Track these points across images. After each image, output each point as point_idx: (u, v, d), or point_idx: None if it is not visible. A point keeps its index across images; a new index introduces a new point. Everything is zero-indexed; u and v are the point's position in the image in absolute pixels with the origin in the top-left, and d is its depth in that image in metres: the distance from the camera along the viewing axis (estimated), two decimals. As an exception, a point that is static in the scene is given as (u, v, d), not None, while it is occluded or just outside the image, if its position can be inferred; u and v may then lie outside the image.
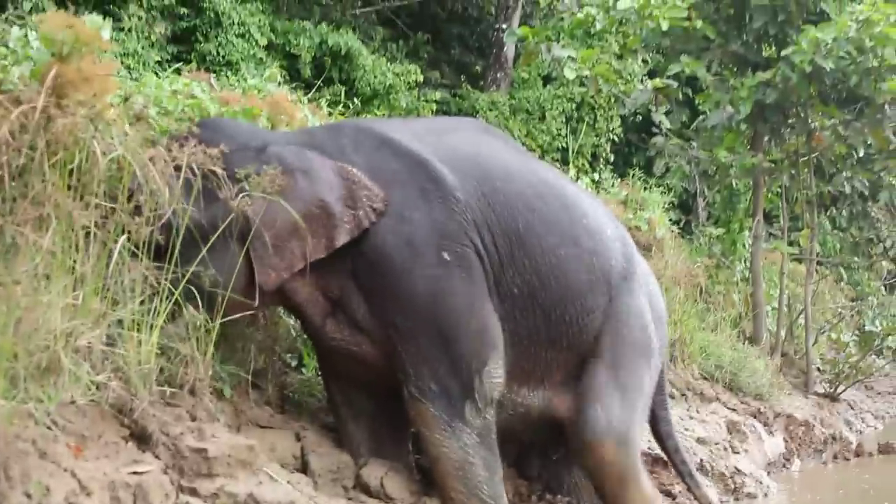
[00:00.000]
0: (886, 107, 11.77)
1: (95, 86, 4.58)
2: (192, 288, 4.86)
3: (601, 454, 5.79)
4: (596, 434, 5.76)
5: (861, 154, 12.79)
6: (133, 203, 4.72)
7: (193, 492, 4.43)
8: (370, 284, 5.30)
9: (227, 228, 4.97)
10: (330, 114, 7.46)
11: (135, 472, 4.25)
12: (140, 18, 12.00)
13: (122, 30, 11.59)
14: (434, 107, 14.24)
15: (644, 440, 7.93)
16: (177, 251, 4.81)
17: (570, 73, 11.48)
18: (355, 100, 8.61)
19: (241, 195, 4.97)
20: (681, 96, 13.05)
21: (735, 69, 12.29)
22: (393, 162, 5.40)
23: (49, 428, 4.11)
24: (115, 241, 4.62)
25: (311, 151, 5.28)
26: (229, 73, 10.62)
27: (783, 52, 11.24)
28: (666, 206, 13.30)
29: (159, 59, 11.88)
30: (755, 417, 10.55)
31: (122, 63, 10.84)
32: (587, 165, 15.43)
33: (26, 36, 4.78)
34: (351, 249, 5.24)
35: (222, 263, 4.99)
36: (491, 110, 15.38)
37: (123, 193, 4.70)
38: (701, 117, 13.19)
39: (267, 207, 5.03)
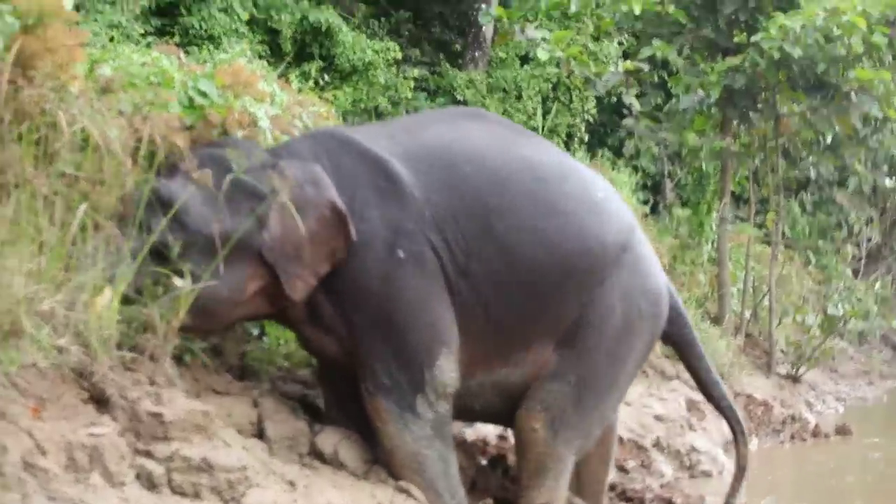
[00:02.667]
0: (853, 94, 11.92)
1: (61, 56, 4.67)
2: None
3: (532, 426, 5.80)
4: (534, 405, 5.78)
5: (829, 140, 12.97)
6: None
7: (149, 454, 4.50)
8: (332, 284, 5.41)
9: (239, 242, 5.13)
10: (300, 90, 7.54)
11: (91, 434, 4.32)
12: (125, -9, 12.03)
13: (107, 2, 11.62)
14: (412, 84, 14.30)
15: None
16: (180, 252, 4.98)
17: (543, 55, 11.55)
18: (325, 76, 8.64)
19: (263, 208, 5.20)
20: (656, 79, 13.19)
21: (706, 54, 12.45)
22: (356, 164, 5.51)
23: (6, 388, 4.18)
24: (78, 209, 4.69)
25: (311, 164, 5.41)
26: (211, 48, 10.68)
27: (753, 39, 11.38)
28: (634, 187, 13.43)
29: (143, 31, 11.91)
30: (715, 396, 10.68)
31: (105, 35, 10.94)
32: (562, 145, 15.52)
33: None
34: None
35: (232, 275, 5.15)
36: (468, 88, 15.44)
37: (88, 163, 4.80)
38: (674, 100, 13.32)
39: (281, 220, 5.22)
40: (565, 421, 5.79)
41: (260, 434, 5.46)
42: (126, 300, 4.85)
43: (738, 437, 6.70)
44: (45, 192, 4.61)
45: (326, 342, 5.56)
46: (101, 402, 4.59)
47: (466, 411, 5.94)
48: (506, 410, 5.91)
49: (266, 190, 5.20)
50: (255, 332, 6.33)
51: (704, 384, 6.68)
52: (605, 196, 5.96)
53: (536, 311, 5.67)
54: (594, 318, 5.75)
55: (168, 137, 4.92)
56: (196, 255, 5.04)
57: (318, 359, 5.89)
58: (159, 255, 4.98)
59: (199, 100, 5.57)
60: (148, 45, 6.55)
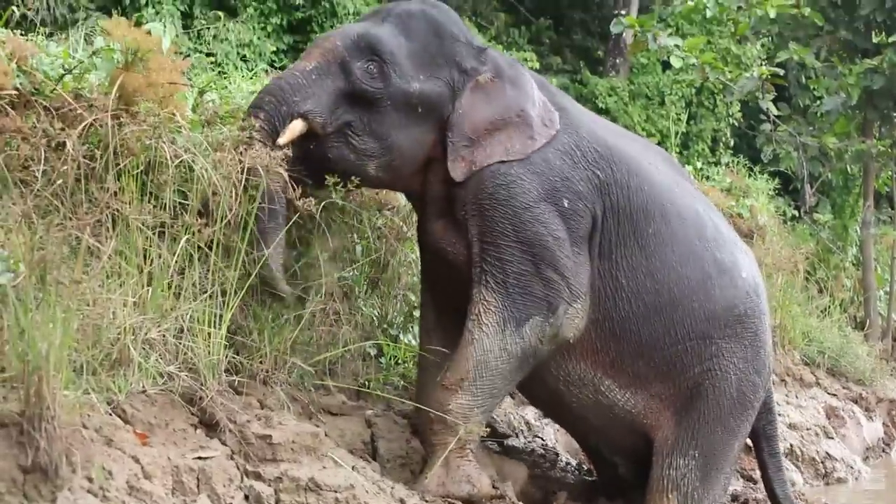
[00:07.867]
0: None
1: (161, 91, 4.84)
2: None
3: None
4: (665, 484, 5.76)
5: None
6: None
7: (258, 476, 4.56)
8: (485, 196, 5.40)
9: (428, 107, 5.37)
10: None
11: (199, 458, 4.42)
12: (256, 10, 12.27)
13: (238, 21, 11.89)
14: (554, 92, 14.27)
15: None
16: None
17: (676, 62, 11.39)
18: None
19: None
20: (802, 80, 13.00)
21: (844, 55, 12.19)
22: (560, 123, 5.57)
23: (111, 415, 4.29)
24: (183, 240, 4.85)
25: (521, 66, 5.68)
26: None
27: (891, 39, 11.15)
28: (772, 192, 13.25)
29: (275, 49, 12.16)
30: (856, 402, 10.50)
31: (237, 54, 11.21)
32: (707, 150, 15.38)
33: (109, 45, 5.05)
34: None
35: (410, 135, 5.35)
36: (610, 95, 15.37)
37: (193, 195, 4.95)
38: (817, 102, 13.13)
39: (472, 103, 5.42)
40: (695, 498, 5.77)
41: (373, 454, 5.50)
42: (235, 329, 5.02)
43: None
44: (148, 226, 4.76)
45: (452, 242, 5.52)
46: (210, 426, 4.68)
47: (560, 406, 5.90)
48: (596, 429, 5.94)
49: (468, 66, 5.44)
50: (373, 352, 6.35)
51: (771, 480, 6.47)
52: (747, 275, 5.94)
53: (653, 343, 5.64)
54: (710, 389, 5.75)
55: (270, 167, 4.97)
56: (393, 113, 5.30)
57: (429, 268, 5.85)
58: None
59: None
60: (265, 71, 6.64)
